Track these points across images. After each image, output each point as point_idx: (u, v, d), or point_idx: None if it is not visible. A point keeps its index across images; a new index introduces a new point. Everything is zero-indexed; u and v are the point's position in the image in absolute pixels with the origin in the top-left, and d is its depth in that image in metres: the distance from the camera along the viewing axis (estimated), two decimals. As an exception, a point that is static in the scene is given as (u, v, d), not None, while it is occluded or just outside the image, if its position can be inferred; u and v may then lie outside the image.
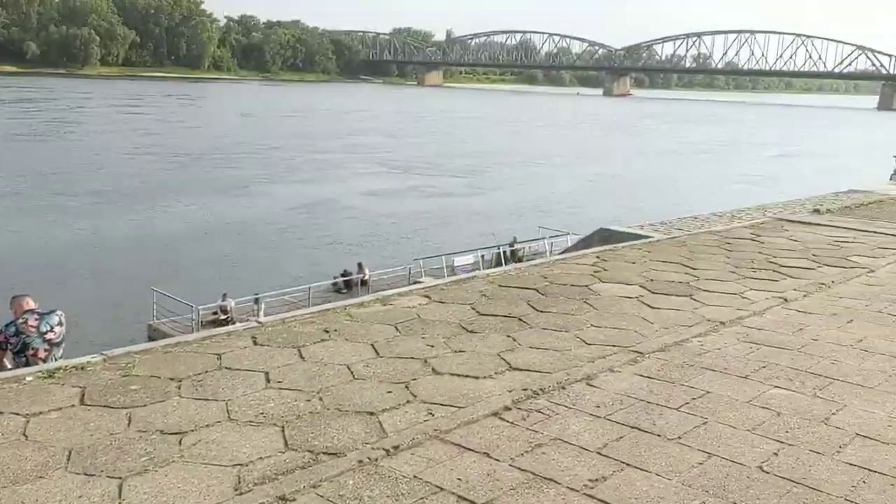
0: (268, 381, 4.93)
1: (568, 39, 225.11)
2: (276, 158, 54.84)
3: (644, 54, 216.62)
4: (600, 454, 4.07)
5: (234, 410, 4.46)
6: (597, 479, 3.80)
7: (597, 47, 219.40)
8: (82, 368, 5.04)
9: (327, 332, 5.94)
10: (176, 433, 4.15)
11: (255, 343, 5.66)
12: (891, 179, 40.69)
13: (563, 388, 4.98)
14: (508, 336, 6.01)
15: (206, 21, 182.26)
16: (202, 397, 4.64)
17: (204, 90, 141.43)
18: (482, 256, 24.08)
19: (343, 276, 21.93)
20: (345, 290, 21.13)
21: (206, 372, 5.05)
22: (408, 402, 4.66)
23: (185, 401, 4.58)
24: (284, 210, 36.66)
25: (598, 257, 9.08)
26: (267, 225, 33.07)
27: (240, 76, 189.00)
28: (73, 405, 4.47)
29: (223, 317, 18.32)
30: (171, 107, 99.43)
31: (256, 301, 19.02)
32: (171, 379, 4.90)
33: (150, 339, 17.44)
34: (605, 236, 12.91)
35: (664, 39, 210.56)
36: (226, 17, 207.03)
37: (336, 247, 29.75)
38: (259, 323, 6.13)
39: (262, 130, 74.06)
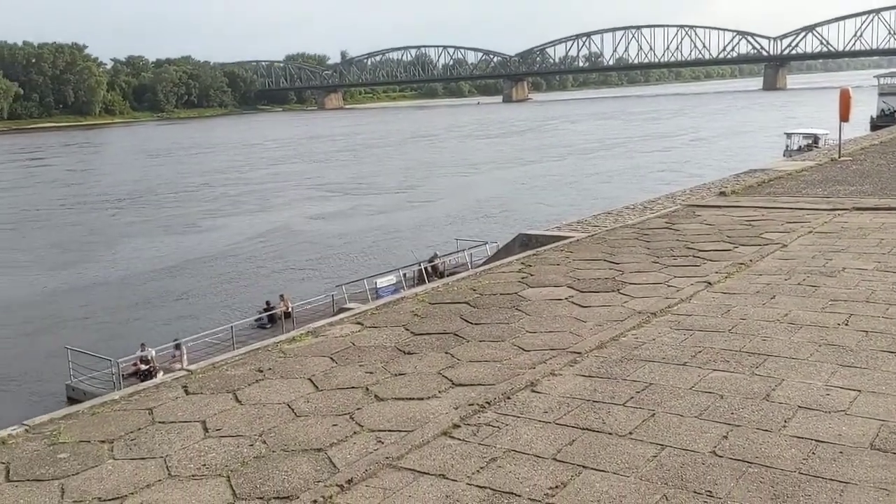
0: (206, 430, 4.73)
1: (463, 50, 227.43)
2: (211, 194, 53.80)
3: (538, 58, 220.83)
4: (556, 460, 4.05)
5: (175, 466, 4.25)
6: (557, 486, 3.76)
7: (492, 55, 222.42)
8: (3, 443, 4.72)
9: (261, 371, 5.75)
10: (115, 498, 3.92)
11: (186, 392, 5.42)
12: (784, 155, 42.61)
13: (509, 397, 4.95)
14: (447, 353, 5.95)
15: (91, 66, 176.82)
16: (138, 456, 4.40)
17: (101, 135, 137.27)
18: (404, 275, 23.94)
19: (266, 309, 21.46)
20: (269, 325, 20.64)
21: (139, 429, 4.81)
22: (355, 433, 4.54)
23: (120, 463, 4.34)
24: (210, 246, 35.75)
25: (522, 263, 9.12)
26: (188, 264, 32.17)
27: (134, 118, 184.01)
28: (-3, 484, 4.18)
29: (144, 367, 17.64)
30: (76, 155, 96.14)
31: (177, 347, 18.39)
32: (103, 441, 4.65)
33: (71, 400, 16.69)
34: (525, 241, 12.98)
35: (556, 42, 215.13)
36: (112, 59, 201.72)
37: (255, 279, 29.14)
38: (189, 371, 5.88)
39: (181, 169, 72.36)
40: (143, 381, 15.39)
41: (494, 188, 49.74)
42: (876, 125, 54.08)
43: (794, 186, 14.85)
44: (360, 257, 31.90)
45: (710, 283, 7.49)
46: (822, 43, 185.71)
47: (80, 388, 17.36)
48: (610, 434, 4.32)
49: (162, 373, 16.51)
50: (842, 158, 19.22)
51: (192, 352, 18.10)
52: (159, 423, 4.89)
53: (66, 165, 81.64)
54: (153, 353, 18.11)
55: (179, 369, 6.17)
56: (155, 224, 42.63)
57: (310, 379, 5.53)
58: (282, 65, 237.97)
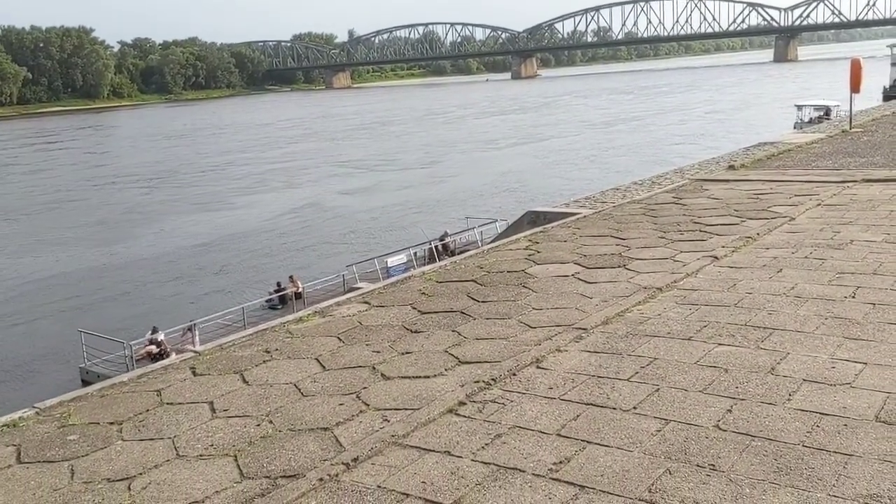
0: (213, 410, 4.77)
1: (471, 27, 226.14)
2: (237, 172, 54.51)
3: (546, 34, 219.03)
4: (560, 436, 4.07)
5: (182, 446, 4.30)
6: (561, 462, 3.79)
7: (500, 32, 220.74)
8: (14, 425, 4.78)
9: (268, 352, 5.79)
10: (123, 479, 3.97)
11: (194, 374, 5.47)
12: (795, 127, 42.23)
13: (514, 374, 4.97)
14: (453, 331, 5.96)
15: (98, 49, 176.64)
16: (146, 437, 4.45)
17: (112, 118, 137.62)
18: (415, 254, 23.96)
19: (276, 291, 21.54)
20: (280, 306, 20.72)
21: (148, 410, 4.86)
22: (361, 411, 4.57)
23: (128, 444, 4.39)
24: (235, 224, 36.14)
25: (530, 240, 9.11)
26: (212, 243, 32.46)
27: (142, 100, 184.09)
28: (9, 465, 4.24)
29: (156, 350, 17.77)
30: (92, 138, 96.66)
31: (190, 329, 18.51)
32: (112, 423, 4.70)
33: (84, 382, 16.84)
34: (533, 218, 12.95)
35: (564, 17, 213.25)
36: (119, 42, 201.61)
37: (274, 257, 29.33)
38: (196, 352, 5.93)
39: (200, 149, 73.01)
40: (154, 363, 15.54)
41: (511, 164, 49.71)
42: (889, 95, 53.36)
43: (804, 159, 14.74)
44: (376, 234, 32.08)
45: (716, 258, 7.47)
46: (833, 13, 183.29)
47: (93, 371, 17.51)
48: (614, 409, 4.34)
49: (174, 354, 16.66)
50: (853, 130, 19.05)
51: (204, 333, 18.21)
52: (167, 404, 4.94)
53: (85, 148, 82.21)
54: (162, 335, 18.22)
55: (190, 351, 6.23)
56: (186, 203, 43.42)
57: (317, 359, 5.57)
58: (289, 44, 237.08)
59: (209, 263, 29.13)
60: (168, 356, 16.74)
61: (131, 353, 17.29)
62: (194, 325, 18.48)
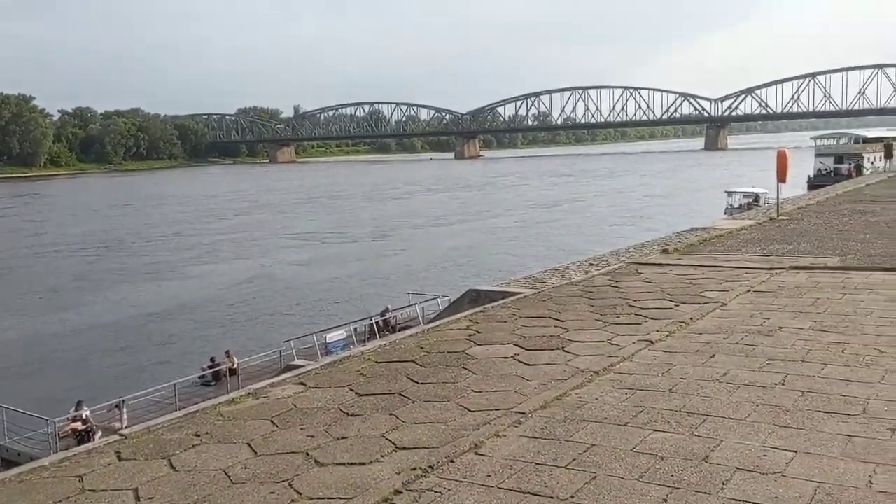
0: (137, 499, 4.57)
1: (416, 107, 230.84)
2: (184, 243, 54.01)
3: (489, 116, 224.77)
4: (497, 526, 4.00)
5: (103, 538, 4.09)
6: (497, 554, 3.72)
7: (444, 113, 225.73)
8: (-79, 514, 4.51)
9: (198, 435, 5.60)
10: (37, 574, 3.75)
11: (119, 458, 5.25)
12: (725, 213, 43.71)
13: (452, 461, 4.90)
14: (391, 414, 5.88)
15: (37, 117, 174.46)
16: (65, 528, 4.23)
17: (49, 187, 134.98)
18: (355, 329, 23.72)
19: (210, 367, 21.00)
20: (213, 382, 20.20)
21: (68, 498, 4.63)
22: (293, 500, 4.43)
23: (45, 535, 4.17)
24: (176, 295, 35.59)
25: (470, 320, 9.13)
26: (143, 317, 31.68)
27: (80, 170, 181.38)
28: (-88, 560, 3.97)
29: (81, 427, 17.03)
30: (31, 206, 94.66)
31: (118, 406, 17.82)
32: (28, 512, 4.46)
33: (4, 460, 16.11)
34: (474, 297, 13.03)
35: (506, 101, 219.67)
36: (59, 111, 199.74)
37: (212, 330, 28.76)
38: (122, 435, 5.70)
39: (146, 219, 72.06)
40: (80, 442, 14.86)
41: (457, 240, 50.42)
42: (813, 185, 55.89)
43: (734, 245, 15.22)
44: (321, 307, 31.90)
45: (651, 342, 7.59)
46: (760, 105, 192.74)
47: (14, 449, 16.69)
48: (551, 498, 4.30)
49: (100, 433, 15.99)
50: (780, 217, 19.81)
51: (134, 410, 17.58)
52: (89, 491, 4.71)
53: (23, 216, 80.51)
54: (87, 412, 17.48)
55: (119, 430, 5.99)
56: (132, 272, 42.75)
57: (248, 443, 5.40)
58: (233, 118, 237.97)
59: (152, 334, 28.56)
60: (95, 434, 16.07)
61: (55, 431, 16.54)
62: (122, 401, 17.81)
